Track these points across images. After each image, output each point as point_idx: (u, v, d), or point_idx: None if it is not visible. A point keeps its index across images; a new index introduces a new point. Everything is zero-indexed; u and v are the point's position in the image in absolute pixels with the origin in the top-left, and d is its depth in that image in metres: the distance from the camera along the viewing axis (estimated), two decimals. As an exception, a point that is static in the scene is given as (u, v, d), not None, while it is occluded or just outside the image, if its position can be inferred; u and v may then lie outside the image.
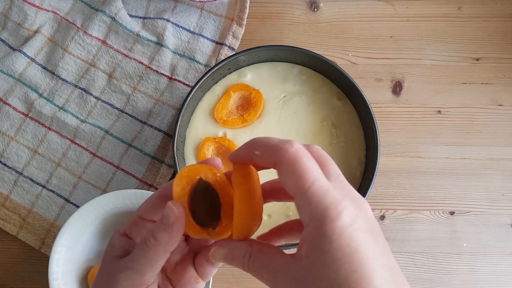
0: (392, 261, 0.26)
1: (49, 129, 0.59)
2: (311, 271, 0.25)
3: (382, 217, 0.59)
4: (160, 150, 0.58)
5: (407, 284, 0.26)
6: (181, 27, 0.60)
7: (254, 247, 0.29)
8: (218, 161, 0.32)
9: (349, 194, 0.27)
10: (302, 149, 0.27)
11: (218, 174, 0.33)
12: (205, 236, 0.31)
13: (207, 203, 0.31)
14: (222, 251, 0.30)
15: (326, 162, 0.28)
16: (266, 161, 0.28)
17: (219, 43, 0.60)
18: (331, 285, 0.24)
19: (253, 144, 0.29)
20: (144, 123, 0.59)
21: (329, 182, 0.26)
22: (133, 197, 0.52)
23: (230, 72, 0.56)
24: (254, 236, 0.31)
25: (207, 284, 0.52)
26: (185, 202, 0.31)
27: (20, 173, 0.58)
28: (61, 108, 0.59)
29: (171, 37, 0.60)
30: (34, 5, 0.59)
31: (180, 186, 0.31)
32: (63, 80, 0.59)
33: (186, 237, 0.34)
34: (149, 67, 0.59)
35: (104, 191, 0.58)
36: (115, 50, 0.60)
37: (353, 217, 0.25)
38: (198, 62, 0.60)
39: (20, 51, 0.59)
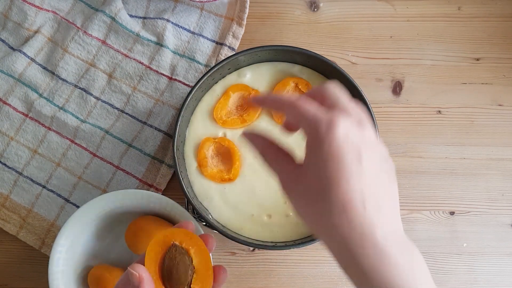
0: (370, 169, 0.32)
1: (49, 129, 0.59)
2: (306, 171, 0.32)
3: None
4: (160, 150, 0.58)
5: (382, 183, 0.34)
6: (181, 27, 0.60)
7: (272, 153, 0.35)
8: (192, 225, 0.37)
9: (349, 113, 0.32)
10: (296, 100, 0.33)
11: (193, 239, 0.35)
12: None
13: (178, 268, 0.34)
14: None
15: (327, 97, 0.34)
16: (279, 110, 0.35)
17: (219, 43, 0.60)
18: (319, 180, 0.30)
19: (265, 99, 0.36)
20: (144, 123, 0.59)
21: (321, 108, 0.32)
22: (133, 197, 0.52)
23: (230, 72, 0.56)
24: None
25: None
26: (156, 267, 0.34)
27: (20, 173, 0.58)
28: (61, 108, 0.59)
29: (171, 37, 0.59)
30: (34, 5, 0.59)
31: (153, 251, 0.34)
32: (63, 80, 0.59)
33: None
34: (149, 67, 0.59)
35: (104, 191, 0.58)
36: (115, 50, 0.60)
37: (347, 132, 0.30)
38: (198, 62, 0.60)
39: (20, 51, 0.59)
